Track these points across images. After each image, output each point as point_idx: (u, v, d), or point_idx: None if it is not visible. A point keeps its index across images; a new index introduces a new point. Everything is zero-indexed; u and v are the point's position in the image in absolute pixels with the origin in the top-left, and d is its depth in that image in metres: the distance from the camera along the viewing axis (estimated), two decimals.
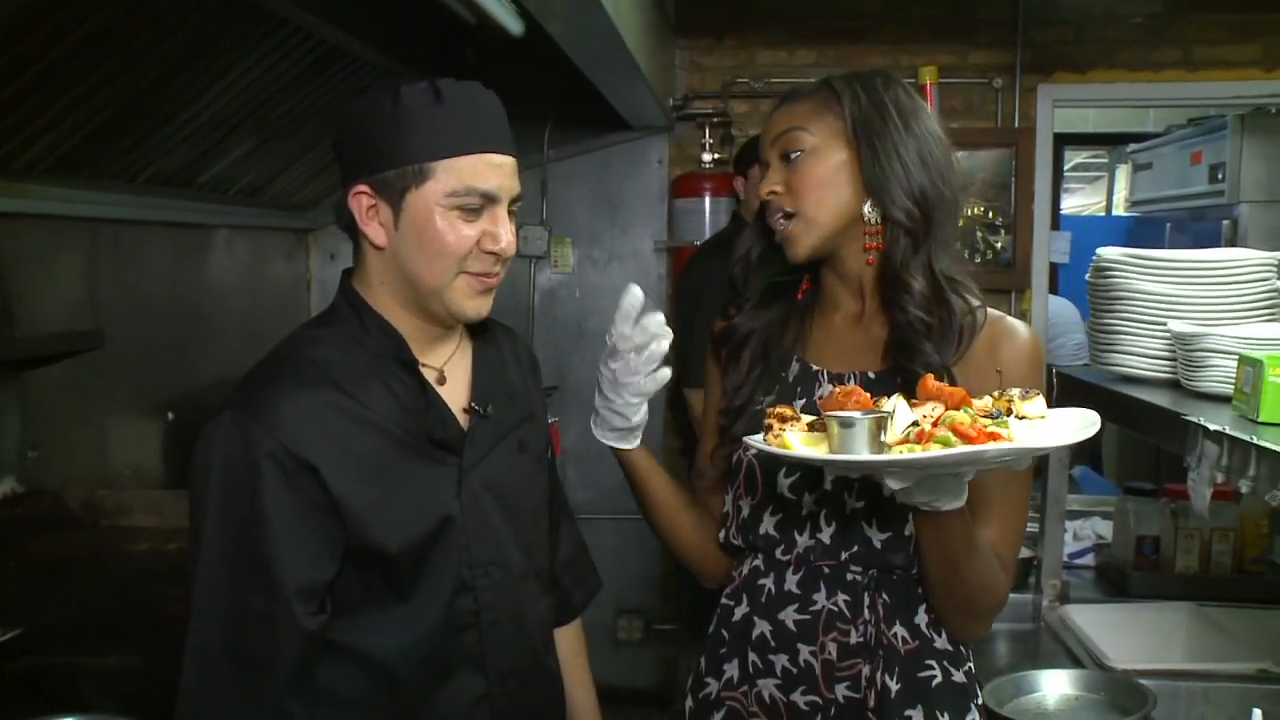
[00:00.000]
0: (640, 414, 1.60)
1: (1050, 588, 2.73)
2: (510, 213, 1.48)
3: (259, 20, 2.73)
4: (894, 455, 1.26)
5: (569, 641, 1.80)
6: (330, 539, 1.39)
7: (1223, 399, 1.91)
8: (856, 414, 1.28)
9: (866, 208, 1.55)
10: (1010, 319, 1.60)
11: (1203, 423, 1.75)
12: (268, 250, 3.96)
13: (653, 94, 3.73)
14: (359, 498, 1.40)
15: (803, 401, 1.59)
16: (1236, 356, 1.85)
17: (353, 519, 1.39)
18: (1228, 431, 1.69)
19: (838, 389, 1.36)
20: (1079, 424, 1.35)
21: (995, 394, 1.36)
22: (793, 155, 1.56)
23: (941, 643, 1.57)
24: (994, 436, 1.26)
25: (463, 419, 1.52)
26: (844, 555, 1.55)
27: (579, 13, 2.69)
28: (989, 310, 1.59)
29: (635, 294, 1.53)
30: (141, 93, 2.66)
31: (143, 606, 2.32)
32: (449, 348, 1.55)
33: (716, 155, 4.34)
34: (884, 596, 1.55)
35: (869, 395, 1.34)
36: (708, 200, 4.27)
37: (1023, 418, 1.33)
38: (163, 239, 3.37)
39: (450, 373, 1.54)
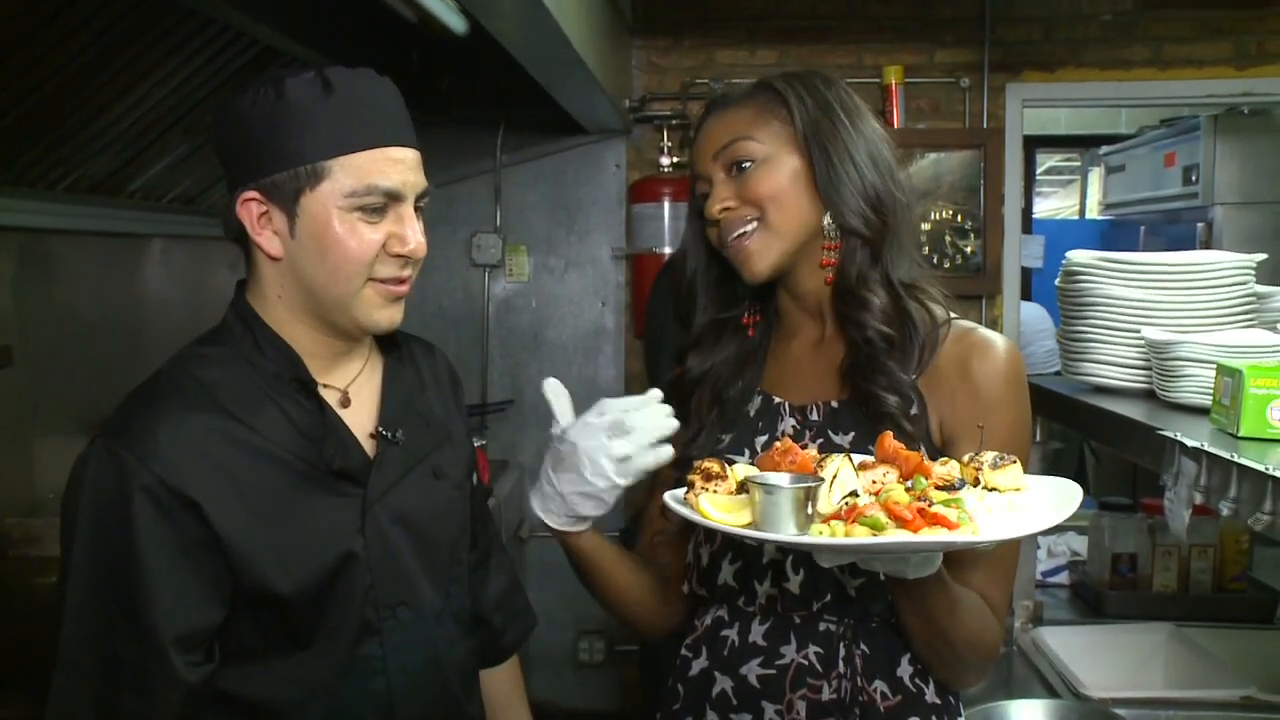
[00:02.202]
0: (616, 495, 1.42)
1: (1023, 609, 2.62)
2: (418, 209, 1.35)
3: (181, 18, 2.58)
4: (811, 538, 1.12)
5: (502, 684, 1.68)
6: (214, 581, 1.27)
7: (1201, 411, 1.81)
8: (783, 481, 1.14)
9: (826, 219, 1.43)
10: (983, 331, 1.45)
11: (1179, 438, 1.65)
12: (209, 260, 3.78)
13: (607, 96, 3.60)
14: (247, 536, 1.27)
15: (764, 438, 1.47)
16: (1214, 366, 1.75)
17: (240, 559, 1.27)
18: (1206, 448, 1.58)
19: (775, 446, 1.23)
20: (1055, 501, 1.20)
21: (965, 459, 1.23)
22: (744, 165, 1.43)
23: (931, 695, 1.43)
24: (936, 519, 1.10)
25: (369, 445, 1.39)
26: (816, 605, 1.41)
27: (520, 11, 2.57)
28: (959, 322, 1.46)
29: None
30: (54, 92, 2.51)
31: (46, 644, 2.17)
32: (354, 367, 1.42)
33: (676, 159, 4.20)
34: (862, 648, 1.41)
35: (812, 453, 1.21)
36: (667, 205, 4.12)
37: (993, 489, 1.18)
38: (92, 250, 3.22)
39: (356, 395, 1.41)
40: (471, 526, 1.56)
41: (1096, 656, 2.44)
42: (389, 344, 1.49)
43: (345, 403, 1.39)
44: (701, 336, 1.54)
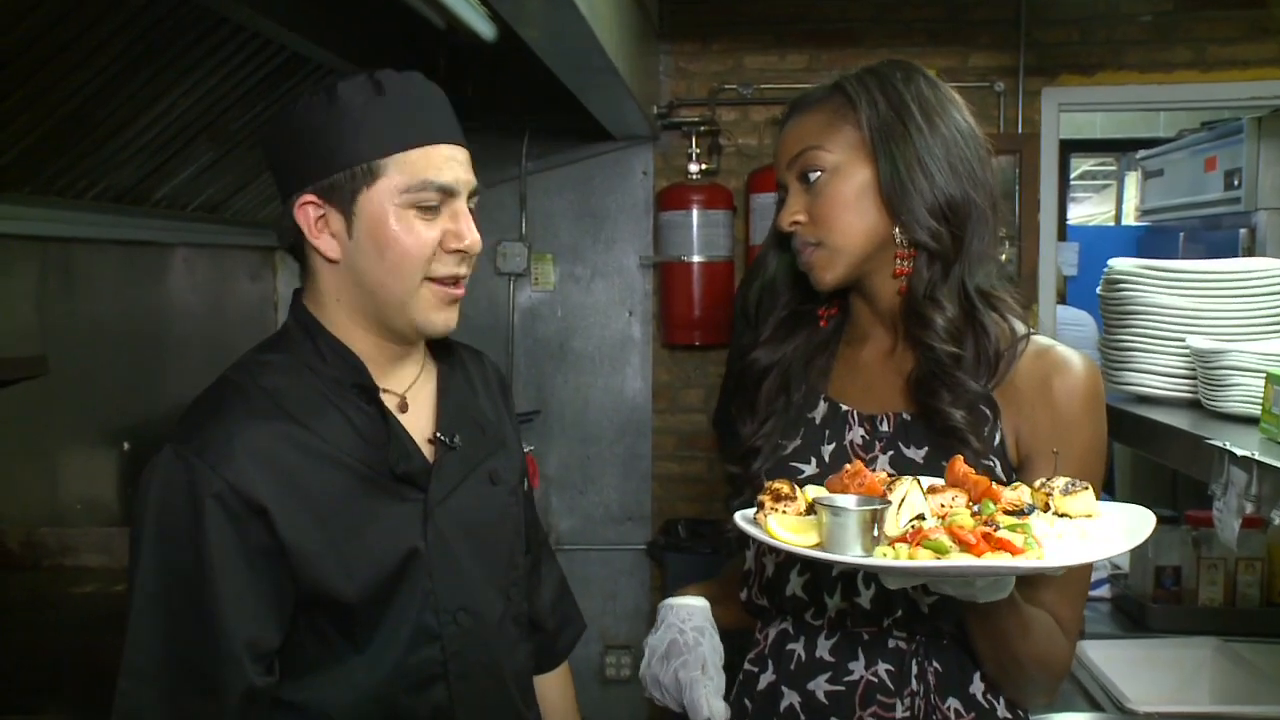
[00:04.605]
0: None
1: None
2: (469, 209, 1.37)
3: (211, 26, 2.58)
4: (877, 560, 1.10)
5: (557, 689, 1.70)
6: (276, 593, 1.28)
7: (1249, 420, 1.77)
8: (850, 503, 1.13)
9: (896, 230, 1.39)
10: (1062, 348, 1.42)
11: (1229, 447, 1.61)
12: (231, 269, 3.79)
13: (635, 102, 3.56)
14: (313, 542, 1.28)
15: (831, 446, 1.44)
16: (1263, 374, 1.72)
17: (304, 563, 1.28)
18: (1257, 457, 1.54)
19: (846, 468, 1.21)
20: (1127, 528, 1.17)
21: (1036, 485, 1.20)
22: (812, 177, 1.40)
23: (1003, 710, 1.40)
24: (1002, 545, 1.08)
25: (428, 450, 1.40)
26: (886, 621, 1.38)
27: (553, 16, 2.54)
28: (1037, 338, 1.42)
29: None
30: (83, 104, 2.50)
31: (82, 655, 2.18)
32: (411, 373, 1.44)
33: (704, 165, 4.16)
34: (935, 665, 1.38)
35: (884, 475, 1.19)
36: (695, 213, 4.07)
37: (1064, 515, 1.16)
38: (117, 259, 3.22)
39: (413, 400, 1.42)
40: (525, 531, 1.56)
41: (1140, 671, 2.39)
42: (442, 350, 1.50)
43: (404, 408, 1.41)
44: (776, 329, 1.52)
